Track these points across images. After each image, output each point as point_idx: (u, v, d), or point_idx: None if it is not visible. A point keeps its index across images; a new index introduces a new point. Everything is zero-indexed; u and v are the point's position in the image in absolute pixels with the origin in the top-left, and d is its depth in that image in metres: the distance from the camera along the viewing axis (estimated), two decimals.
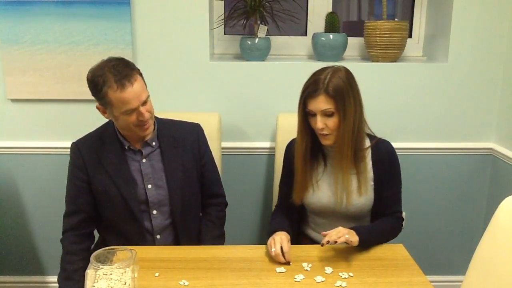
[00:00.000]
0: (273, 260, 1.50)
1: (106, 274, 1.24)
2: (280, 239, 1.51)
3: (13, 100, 2.21)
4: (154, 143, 1.69)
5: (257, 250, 1.59)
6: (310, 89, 1.57)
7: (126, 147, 1.66)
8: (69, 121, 2.23)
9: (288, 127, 2.14)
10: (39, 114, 2.23)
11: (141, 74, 1.59)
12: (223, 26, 2.34)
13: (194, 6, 2.13)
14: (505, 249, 1.24)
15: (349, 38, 2.32)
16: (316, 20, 2.39)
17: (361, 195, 1.63)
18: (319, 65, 2.24)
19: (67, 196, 1.69)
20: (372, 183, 1.65)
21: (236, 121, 2.26)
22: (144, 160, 1.67)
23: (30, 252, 2.41)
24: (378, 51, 2.25)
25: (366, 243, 1.54)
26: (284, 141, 2.14)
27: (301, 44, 2.42)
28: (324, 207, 1.67)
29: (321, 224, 1.72)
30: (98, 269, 1.25)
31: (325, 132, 1.58)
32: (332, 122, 1.56)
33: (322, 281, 1.38)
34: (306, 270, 1.45)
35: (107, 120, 1.67)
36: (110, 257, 1.31)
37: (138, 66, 1.98)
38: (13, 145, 2.25)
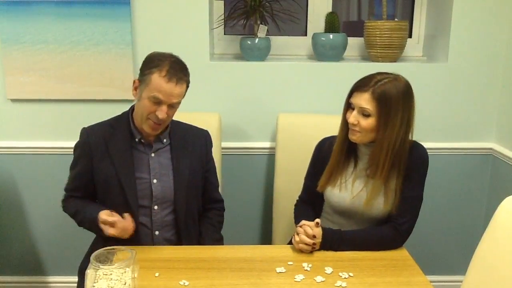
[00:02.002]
0: (273, 260, 1.50)
1: (106, 274, 1.24)
2: (301, 230, 1.55)
3: (13, 100, 2.21)
4: (165, 140, 1.70)
5: (257, 250, 1.59)
6: (361, 83, 1.55)
7: (136, 139, 1.67)
8: (69, 121, 2.23)
9: (288, 127, 2.15)
10: (39, 114, 2.23)
11: (187, 85, 1.64)
12: (223, 26, 2.34)
13: (194, 6, 2.13)
14: (505, 249, 1.24)
15: (349, 38, 2.32)
16: (316, 20, 2.39)
17: (386, 200, 1.59)
18: (319, 65, 2.26)
19: (70, 175, 1.72)
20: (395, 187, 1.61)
21: (236, 121, 2.26)
22: (153, 155, 1.68)
23: (30, 252, 2.41)
24: (378, 51, 2.25)
25: (332, 248, 1.56)
26: (284, 141, 2.15)
27: (301, 44, 2.42)
28: (348, 208, 1.65)
29: (341, 224, 1.69)
30: (98, 269, 1.25)
31: (355, 129, 1.56)
32: (365, 122, 1.53)
33: (322, 281, 1.38)
34: (306, 270, 1.45)
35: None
36: (110, 257, 1.31)
37: (138, 66, 1.97)
38: (13, 145, 2.25)
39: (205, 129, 1.83)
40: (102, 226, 1.51)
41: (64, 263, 2.40)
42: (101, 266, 1.25)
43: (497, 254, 1.26)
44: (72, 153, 1.71)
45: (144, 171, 1.66)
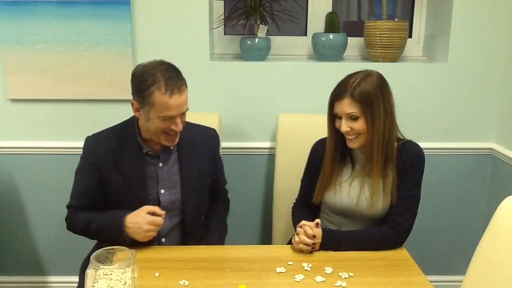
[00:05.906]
0: (273, 260, 1.50)
1: (106, 274, 1.24)
2: (301, 231, 1.55)
3: (13, 100, 2.21)
4: (172, 148, 1.67)
5: (257, 250, 1.59)
6: (337, 92, 1.57)
7: (144, 152, 1.63)
8: (69, 121, 2.23)
9: (288, 127, 2.16)
10: (39, 114, 2.23)
11: (187, 86, 1.57)
12: (223, 26, 2.34)
13: (194, 6, 2.13)
14: (505, 249, 1.24)
15: (349, 38, 2.32)
16: (316, 20, 2.39)
17: (385, 199, 1.61)
18: (319, 65, 2.26)
19: (74, 190, 1.64)
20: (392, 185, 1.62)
21: (236, 121, 2.26)
22: (161, 165, 1.65)
23: (30, 252, 2.41)
24: (378, 51, 2.25)
25: (332, 248, 1.56)
26: (284, 141, 2.15)
27: (301, 44, 2.42)
28: (346, 208, 1.66)
29: (339, 224, 1.70)
30: (98, 269, 1.25)
31: (350, 136, 1.58)
32: (357, 125, 1.55)
33: (322, 281, 1.39)
34: (306, 270, 1.45)
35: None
36: (110, 257, 1.31)
37: None
38: (13, 145, 2.25)
39: (214, 128, 1.82)
40: (144, 219, 1.49)
41: (64, 263, 2.40)
42: (101, 266, 1.25)
43: (497, 254, 1.26)
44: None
45: (152, 182, 1.64)
